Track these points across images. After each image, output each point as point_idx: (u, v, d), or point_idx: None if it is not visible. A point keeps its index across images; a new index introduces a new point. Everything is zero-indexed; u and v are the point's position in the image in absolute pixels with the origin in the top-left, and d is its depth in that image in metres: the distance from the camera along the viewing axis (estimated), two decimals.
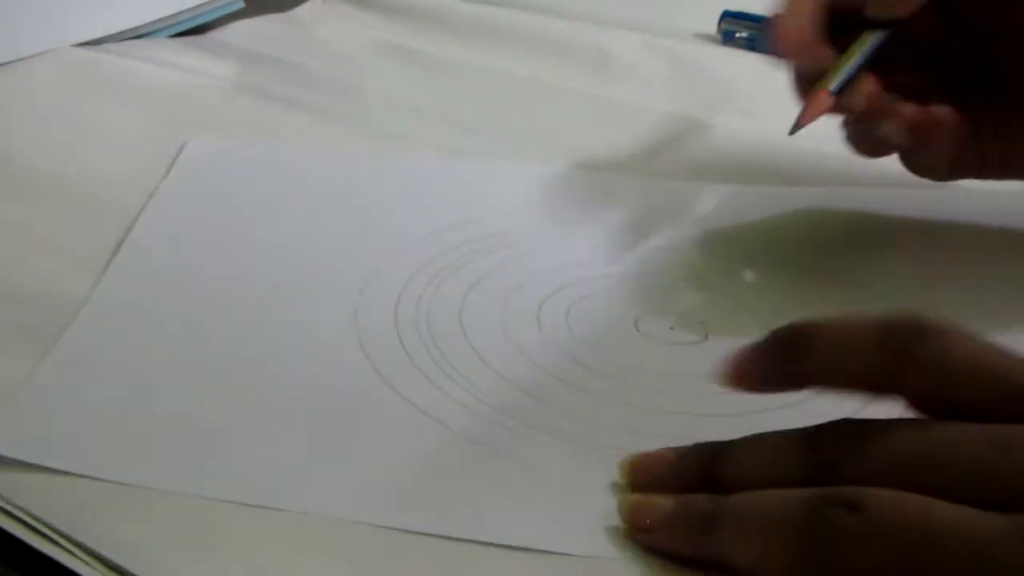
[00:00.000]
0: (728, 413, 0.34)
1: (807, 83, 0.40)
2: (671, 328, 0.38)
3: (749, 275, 0.42)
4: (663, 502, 0.26)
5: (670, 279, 0.42)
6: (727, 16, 0.80)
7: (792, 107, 0.41)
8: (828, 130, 0.42)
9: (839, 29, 0.40)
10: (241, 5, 0.72)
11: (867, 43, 0.40)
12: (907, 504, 0.22)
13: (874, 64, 0.40)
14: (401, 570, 0.28)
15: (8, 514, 0.28)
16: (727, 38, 0.78)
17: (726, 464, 0.26)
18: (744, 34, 0.78)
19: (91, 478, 0.29)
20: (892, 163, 0.43)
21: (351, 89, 0.62)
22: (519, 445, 0.32)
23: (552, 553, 0.28)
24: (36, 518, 0.28)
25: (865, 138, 0.41)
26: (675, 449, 0.28)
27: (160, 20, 0.67)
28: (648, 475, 0.27)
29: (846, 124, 0.42)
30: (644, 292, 0.38)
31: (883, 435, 0.24)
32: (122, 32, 0.65)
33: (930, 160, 0.41)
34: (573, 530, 0.29)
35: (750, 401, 0.33)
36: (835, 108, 0.40)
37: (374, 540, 0.28)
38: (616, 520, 0.28)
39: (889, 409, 0.26)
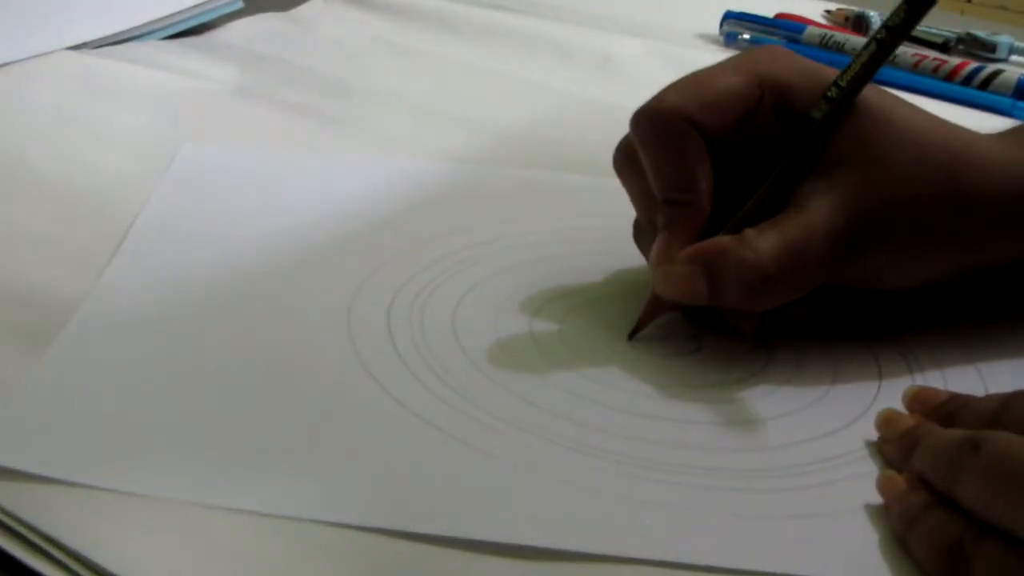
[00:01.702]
0: (719, 422, 0.34)
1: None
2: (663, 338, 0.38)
3: None
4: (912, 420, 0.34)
5: None
6: (729, 17, 0.80)
7: None
8: None
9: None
10: (240, 5, 0.72)
11: None
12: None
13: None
14: (399, 572, 0.27)
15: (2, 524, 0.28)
16: (729, 40, 0.78)
17: (959, 415, 0.33)
18: (746, 35, 0.77)
19: (86, 486, 0.29)
20: None
21: (351, 89, 0.62)
22: (512, 448, 0.32)
23: (546, 552, 0.28)
24: (30, 527, 0.27)
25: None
26: (946, 393, 0.35)
27: (159, 20, 0.67)
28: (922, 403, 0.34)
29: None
30: (639, 303, 0.38)
31: None
32: (120, 33, 0.65)
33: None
34: (566, 530, 0.29)
35: (736, 411, 0.35)
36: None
37: (370, 544, 0.28)
38: (610, 519, 0.29)
39: None
